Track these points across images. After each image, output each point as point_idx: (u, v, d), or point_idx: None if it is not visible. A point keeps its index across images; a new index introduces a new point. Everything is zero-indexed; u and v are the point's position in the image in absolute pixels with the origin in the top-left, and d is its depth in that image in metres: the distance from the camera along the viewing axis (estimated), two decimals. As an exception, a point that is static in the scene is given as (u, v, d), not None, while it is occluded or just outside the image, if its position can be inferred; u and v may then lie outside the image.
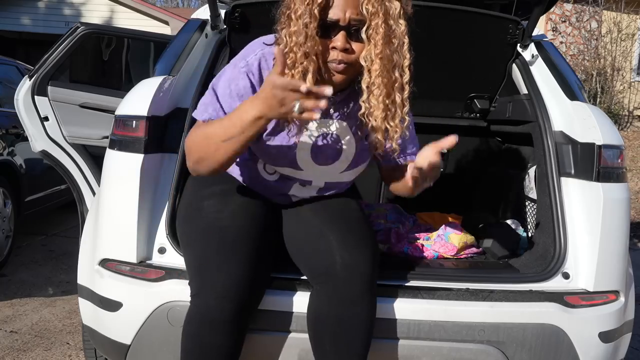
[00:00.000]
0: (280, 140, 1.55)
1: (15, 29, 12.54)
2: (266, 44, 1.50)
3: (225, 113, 1.46)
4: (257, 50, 1.49)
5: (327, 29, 1.36)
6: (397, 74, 1.40)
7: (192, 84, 1.95)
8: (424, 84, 2.42)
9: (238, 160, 1.65)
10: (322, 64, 1.39)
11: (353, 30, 1.36)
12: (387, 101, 1.41)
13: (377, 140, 1.47)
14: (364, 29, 1.36)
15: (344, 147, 1.60)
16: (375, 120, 1.43)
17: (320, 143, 1.57)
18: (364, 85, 1.41)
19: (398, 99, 1.42)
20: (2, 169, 3.89)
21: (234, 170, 1.70)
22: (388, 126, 1.44)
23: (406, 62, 1.41)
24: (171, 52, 2.10)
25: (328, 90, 1.23)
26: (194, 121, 1.84)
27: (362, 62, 1.38)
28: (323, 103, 1.23)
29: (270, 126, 1.51)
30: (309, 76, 1.36)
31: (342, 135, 1.58)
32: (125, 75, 3.41)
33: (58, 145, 2.70)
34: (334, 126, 1.57)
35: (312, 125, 1.55)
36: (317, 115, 1.24)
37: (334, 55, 1.37)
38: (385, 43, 1.36)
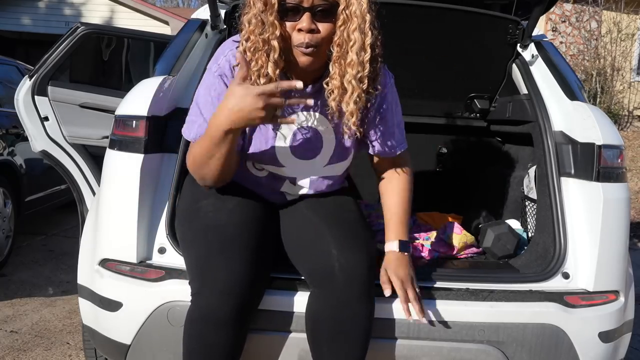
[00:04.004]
0: (257, 137, 1.57)
1: (15, 29, 12.55)
2: (235, 41, 1.50)
3: None
4: (227, 52, 1.50)
5: (289, 11, 1.37)
6: (355, 54, 1.38)
7: (192, 84, 1.95)
8: (424, 83, 2.43)
9: None
10: (289, 48, 1.39)
11: (317, 11, 1.37)
12: (343, 81, 1.41)
13: (344, 124, 1.48)
14: (329, 9, 1.36)
15: (323, 139, 1.60)
16: (334, 101, 1.44)
17: (298, 136, 1.58)
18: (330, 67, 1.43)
19: (354, 79, 1.41)
20: (2, 169, 3.89)
21: None
22: (346, 106, 1.44)
23: (368, 41, 1.39)
24: (171, 52, 2.10)
25: (299, 84, 1.26)
26: None
27: (329, 43, 1.39)
28: (309, 101, 1.27)
29: (248, 130, 1.54)
30: (271, 64, 1.36)
31: (319, 126, 1.58)
32: (125, 75, 3.41)
33: (58, 145, 2.71)
34: (311, 119, 1.57)
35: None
36: (294, 117, 1.29)
37: (300, 37, 1.37)
38: (346, 22, 1.37)
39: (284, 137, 1.57)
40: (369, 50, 1.40)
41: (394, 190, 1.68)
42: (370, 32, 1.39)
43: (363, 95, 1.44)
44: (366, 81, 1.43)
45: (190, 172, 1.54)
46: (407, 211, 1.67)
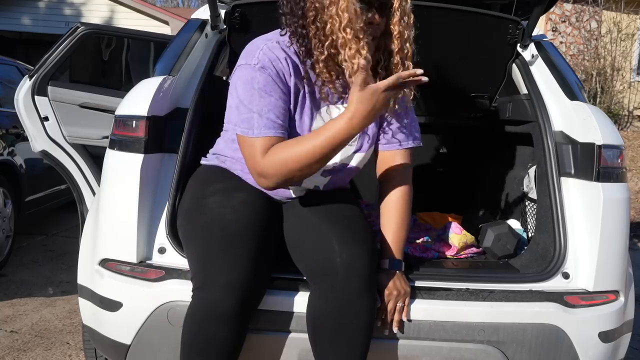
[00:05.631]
0: (294, 126, 1.60)
1: (16, 29, 12.55)
2: (269, 39, 1.58)
3: (269, 111, 1.51)
4: (262, 46, 1.56)
5: (364, 6, 1.47)
6: (407, 46, 1.55)
7: (192, 84, 1.95)
8: (424, 83, 2.42)
9: (235, 154, 1.69)
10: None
11: (377, 5, 1.50)
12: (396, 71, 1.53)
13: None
14: (386, 3, 1.51)
15: None
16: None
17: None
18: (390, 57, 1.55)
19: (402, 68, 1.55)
20: (2, 169, 3.89)
21: (235, 167, 1.72)
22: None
23: (412, 35, 1.56)
24: (171, 52, 2.10)
25: (419, 71, 1.42)
26: (195, 122, 1.85)
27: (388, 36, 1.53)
28: (424, 78, 1.44)
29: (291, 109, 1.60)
30: (364, 52, 1.45)
31: None
32: (125, 75, 3.41)
33: (58, 145, 2.71)
34: (342, 109, 1.61)
35: (324, 109, 1.63)
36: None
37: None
38: (401, 18, 1.52)
39: (319, 125, 1.60)
40: (412, 43, 1.57)
41: (391, 205, 1.69)
42: (412, 27, 1.56)
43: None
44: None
45: (278, 175, 1.50)
46: (404, 226, 1.68)
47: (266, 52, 1.54)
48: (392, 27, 1.52)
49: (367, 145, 1.70)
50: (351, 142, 1.65)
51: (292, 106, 1.59)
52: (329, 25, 1.47)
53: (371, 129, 1.69)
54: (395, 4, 1.50)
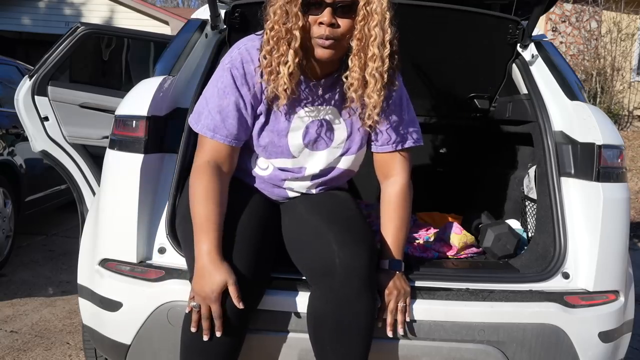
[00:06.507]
0: (270, 129, 1.62)
1: (16, 29, 12.54)
2: (257, 35, 1.59)
3: (218, 113, 1.55)
4: (241, 45, 1.58)
5: (312, 5, 1.44)
6: (376, 49, 1.47)
7: (192, 84, 1.95)
8: (424, 83, 2.43)
9: None
10: (308, 41, 1.47)
11: (339, 7, 1.45)
12: (365, 74, 1.49)
13: (362, 115, 1.58)
14: (349, 5, 1.44)
15: (336, 131, 1.66)
16: (355, 93, 1.52)
17: (311, 128, 1.64)
18: (348, 61, 1.51)
19: (377, 72, 1.49)
20: (2, 169, 3.89)
21: None
22: (369, 99, 1.52)
23: (387, 37, 1.48)
24: (171, 52, 2.10)
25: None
26: None
27: (347, 37, 1.47)
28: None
29: (258, 123, 1.61)
30: (291, 51, 1.45)
31: (332, 119, 1.65)
32: (125, 75, 3.41)
33: (58, 145, 2.71)
34: (323, 111, 1.63)
35: (302, 112, 1.62)
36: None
37: (320, 30, 1.45)
38: (367, 18, 1.45)
39: (298, 128, 1.63)
40: (388, 46, 1.49)
41: (390, 206, 1.69)
42: (389, 29, 1.48)
43: (384, 88, 1.52)
44: (386, 76, 1.51)
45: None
46: (403, 227, 1.68)
47: (242, 52, 1.56)
48: (355, 26, 1.47)
49: (355, 148, 1.69)
50: (338, 144, 1.67)
51: (262, 108, 1.59)
52: (267, 24, 1.48)
53: (358, 133, 1.67)
54: (361, 3, 1.45)
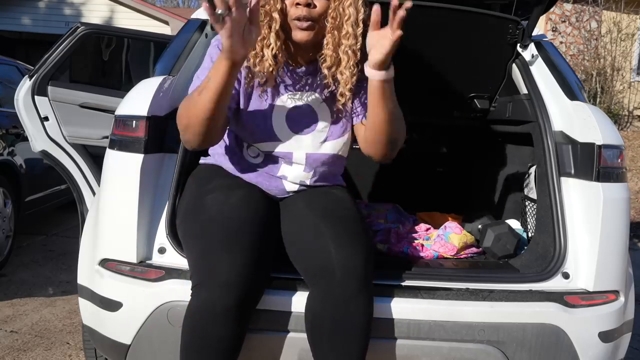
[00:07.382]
0: (254, 109, 1.66)
1: (16, 29, 12.54)
2: None
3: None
4: None
5: None
6: (350, 27, 1.52)
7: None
8: (424, 83, 2.43)
9: (225, 150, 1.74)
10: (288, 25, 1.53)
11: None
12: (339, 51, 1.54)
13: (335, 92, 1.62)
14: None
15: (318, 115, 1.70)
16: (328, 69, 1.57)
17: (294, 112, 1.68)
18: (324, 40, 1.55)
19: (349, 50, 1.53)
20: (2, 169, 3.89)
21: (226, 163, 1.74)
22: (341, 75, 1.57)
23: (360, 16, 1.53)
24: (171, 52, 2.10)
25: None
26: None
27: (324, 19, 1.52)
28: None
29: (242, 99, 1.64)
30: (272, 34, 1.51)
31: (315, 105, 1.69)
32: (125, 75, 3.41)
33: (58, 145, 2.71)
34: (305, 97, 1.68)
35: (285, 97, 1.67)
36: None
37: (297, 12, 1.51)
38: None
39: (281, 111, 1.67)
40: (361, 25, 1.54)
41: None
42: (362, 8, 1.54)
43: (357, 65, 1.56)
44: (359, 53, 1.55)
45: (178, 122, 1.55)
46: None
47: None
48: (330, 5, 1.52)
49: (339, 132, 1.71)
50: (322, 128, 1.69)
51: (247, 91, 1.64)
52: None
53: (340, 117, 1.69)
54: None
